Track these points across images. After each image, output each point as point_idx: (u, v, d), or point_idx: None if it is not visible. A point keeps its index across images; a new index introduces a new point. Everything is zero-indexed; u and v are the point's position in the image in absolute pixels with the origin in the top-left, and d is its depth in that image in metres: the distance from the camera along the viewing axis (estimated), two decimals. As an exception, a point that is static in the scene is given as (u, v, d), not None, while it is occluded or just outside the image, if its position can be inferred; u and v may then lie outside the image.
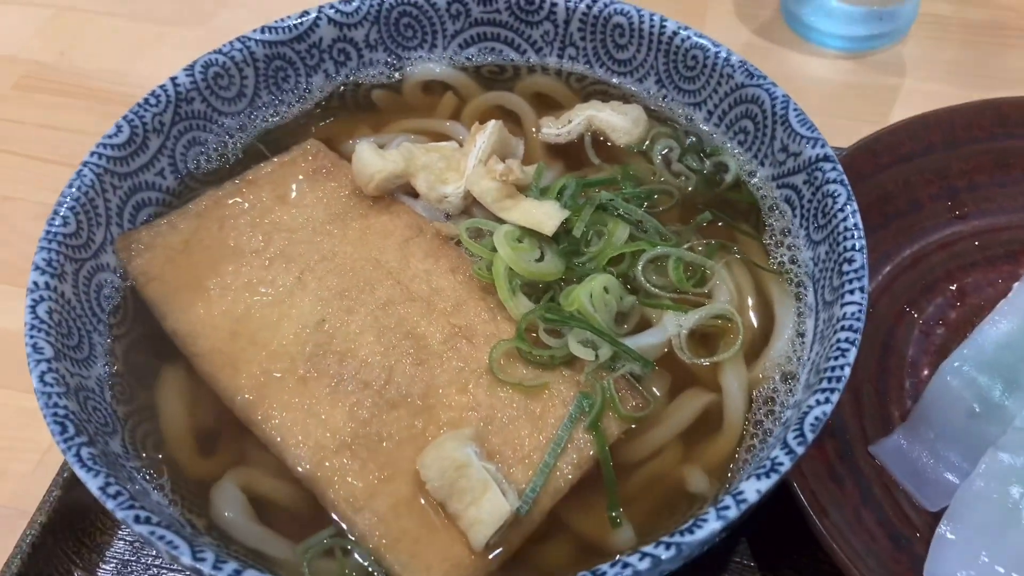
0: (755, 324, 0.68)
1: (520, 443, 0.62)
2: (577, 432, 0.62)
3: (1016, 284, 0.79)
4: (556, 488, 0.60)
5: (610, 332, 0.65)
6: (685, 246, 0.71)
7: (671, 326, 0.67)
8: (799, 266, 0.70)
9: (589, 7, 0.81)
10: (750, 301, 0.69)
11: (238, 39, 0.79)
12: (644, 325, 0.68)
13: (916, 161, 0.87)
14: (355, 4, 0.82)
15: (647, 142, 0.79)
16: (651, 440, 0.63)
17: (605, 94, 0.83)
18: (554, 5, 0.82)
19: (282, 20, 0.80)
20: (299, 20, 0.80)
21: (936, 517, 0.68)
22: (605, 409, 0.63)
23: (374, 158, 0.73)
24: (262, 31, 0.80)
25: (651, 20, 0.79)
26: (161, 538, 0.52)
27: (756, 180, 0.75)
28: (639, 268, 0.69)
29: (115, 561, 0.74)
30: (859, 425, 0.74)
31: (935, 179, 0.87)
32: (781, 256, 0.71)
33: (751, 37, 1.13)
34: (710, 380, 0.66)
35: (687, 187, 0.76)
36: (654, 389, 0.65)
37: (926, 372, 0.77)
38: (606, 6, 0.81)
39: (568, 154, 0.79)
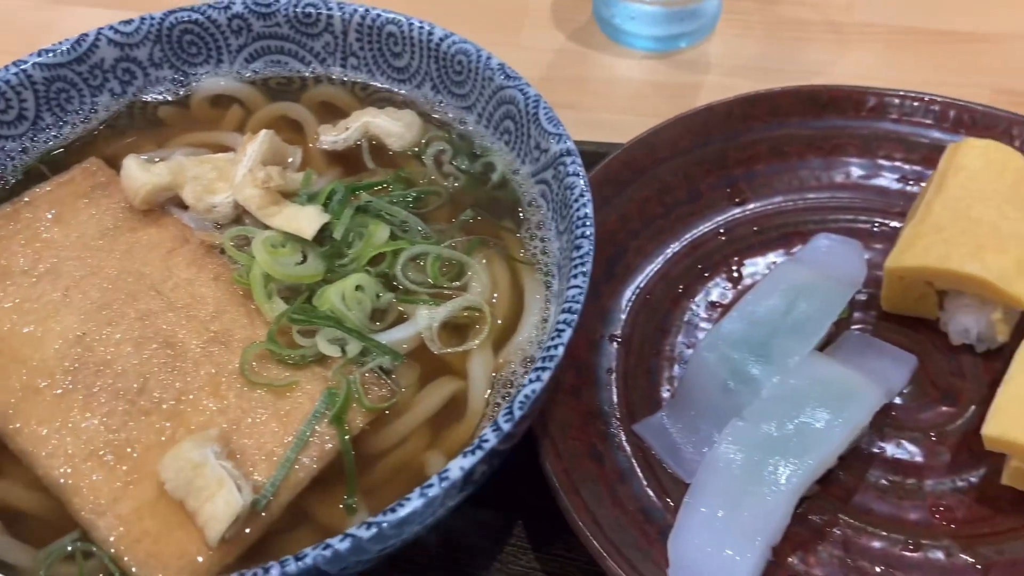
0: (507, 313, 0.71)
1: (266, 441, 0.64)
2: (321, 426, 0.64)
3: (776, 264, 0.83)
4: (296, 481, 0.62)
5: (360, 329, 0.68)
6: (447, 243, 0.74)
7: (423, 320, 0.69)
8: (549, 256, 0.73)
9: (363, 17, 0.84)
10: (504, 292, 0.72)
11: (13, 63, 0.80)
12: (403, 320, 0.71)
13: (695, 152, 0.91)
14: (135, 24, 0.83)
15: (421, 145, 0.81)
16: (398, 429, 0.65)
17: (389, 100, 0.85)
18: (331, 17, 0.85)
19: (59, 43, 0.82)
20: (76, 42, 0.82)
21: (691, 488, 0.72)
22: (349, 402, 0.65)
23: (139, 172, 0.75)
24: (38, 54, 0.81)
25: (420, 28, 0.82)
26: None
27: (519, 177, 0.78)
28: (398, 266, 0.72)
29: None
30: (627, 407, 0.77)
31: (714, 169, 0.91)
32: (535, 248, 0.74)
33: (565, 42, 1.17)
34: (461, 368, 0.68)
35: (456, 187, 0.79)
36: (403, 380, 0.67)
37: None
38: (378, 16, 0.83)
39: (347, 160, 0.82)
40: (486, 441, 0.56)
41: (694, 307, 0.84)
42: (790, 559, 0.69)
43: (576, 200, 0.69)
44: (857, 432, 0.73)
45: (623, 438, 0.75)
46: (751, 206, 0.90)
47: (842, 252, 0.85)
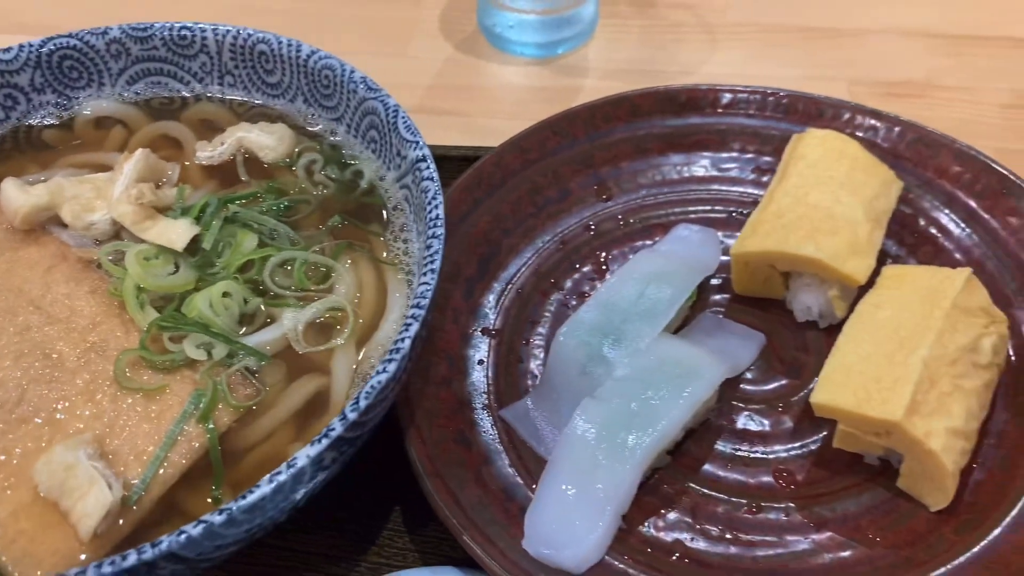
0: (371, 312, 0.76)
1: (139, 442, 0.68)
2: (190, 425, 0.68)
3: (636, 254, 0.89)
4: (166, 477, 0.67)
5: (226, 333, 0.72)
6: (315, 248, 0.79)
7: (288, 321, 0.74)
8: (410, 256, 0.78)
9: (235, 37, 0.88)
10: (369, 292, 0.77)
11: None
12: (271, 323, 0.75)
13: (563, 153, 0.97)
14: (13, 52, 0.87)
15: (294, 156, 0.86)
16: (264, 425, 0.70)
17: (266, 116, 0.90)
18: (204, 38, 0.89)
19: (-62, 73, 0.85)
20: (-45, 71, 0.85)
21: (555, 467, 0.77)
22: (216, 402, 0.69)
23: (17, 193, 0.78)
24: (-83, 83, 0.84)
25: (289, 45, 0.87)
26: None
27: (385, 183, 0.83)
28: (266, 272, 0.76)
29: None
30: (497, 395, 0.82)
31: (582, 168, 0.97)
32: (398, 249, 0.79)
33: (453, 52, 1.22)
34: (326, 366, 0.73)
35: (326, 194, 0.83)
36: (269, 379, 0.72)
37: (560, 341, 0.86)
38: (249, 36, 0.88)
39: (222, 174, 0.86)
40: (332, 430, 0.61)
41: (563, 298, 0.90)
42: (640, 527, 0.75)
43: (430, 203, 0.74)
44: (702, 406, 0.79)
45: (491, 424, 0.80)
46: (617, 201, 0.96)
47: (699, 241, 0.91)
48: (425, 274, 0.69)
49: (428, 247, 0.71)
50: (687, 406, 0.76)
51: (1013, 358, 0.81)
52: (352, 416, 0.62)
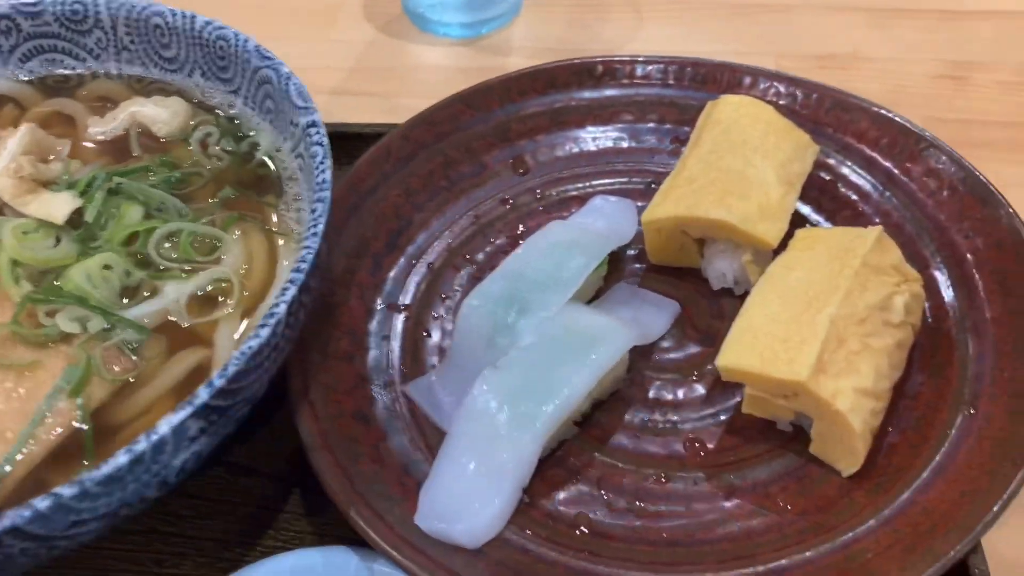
0: (259, 282, 0.73)
1: (6, 420, 0.65)
2: (63, 401, 0.65)
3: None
4: (33, 455, 0.63)
5: (105, 306, 0.69)
6: (205, 220, 0.76)
7: (170, 294, 0.71)
8: (302, 225, 0.75)
9: (129, 11, 0.85)
10: (259, 262, 0.74)
11: None
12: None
13: (477, 127, 0.94)
14: (-100, 30, 0.84)
15: (189, 130, 0.83)
16: (141, 399, 0.66)
17: (164, 91, 0.87)
18: (98, 13, 0.86)
19: None
20: None
21: (458, 442, 0.74)
22: (89, 377, 0.66)
23: None
24: None
25: (183, 17, 0.84)
26: None
27: (281, 154, 0.80)
28: (151, 245, 0.73)
29: None
30: (403, 370, 0.79)
31: (497, 142, 0.94)
32: (291, 218, 0.76)
33: (377, 34, 1.19)
34: (210, 338, 0.70)
35: (220, 167, 0.80)
36: (148, 353, 0.68)
37: (469, 314, 0.83)
38: (144, 9, 0.85)
39: (115, 149, 0.83)
40: (197, 397, 0.58)
41: (476, 272, 0.87)
42: (543, 500, 0.72)
43: (318, 167, 0.71)
44: (610, 375, 0.76)
45: (392, 399, 0.77)
46: (534, 175, 0.94)
47: (614, 211, 0.89)
48: (307, 239, 0.67)
49: (313, 211, 0.68)
50: (591, 374, 0.73)
51: (930, 319, 0.79)
52: (219, 383, 0.59)
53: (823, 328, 0.70)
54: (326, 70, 1.15)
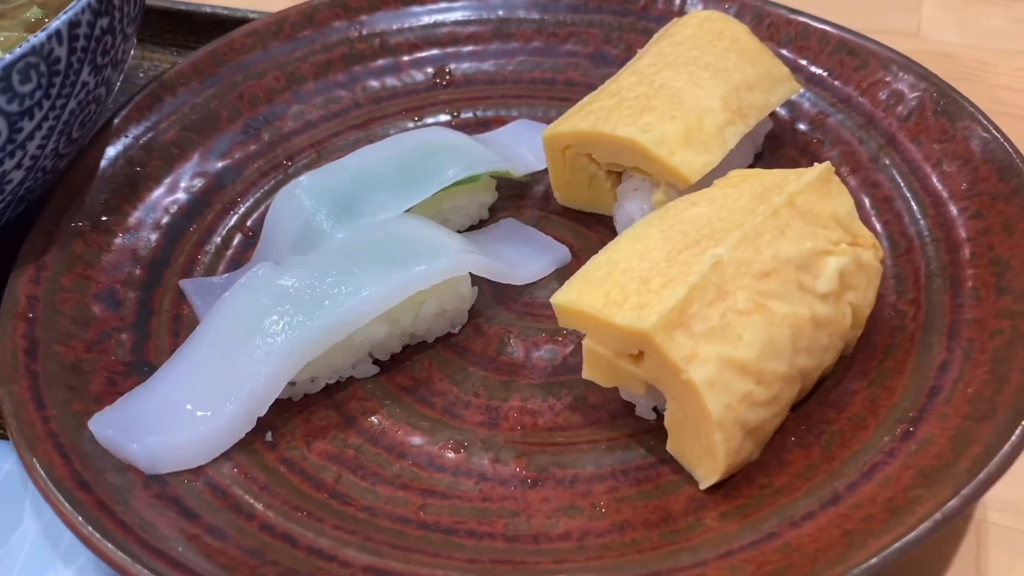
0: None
1: None
2: None
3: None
4: None
5: None
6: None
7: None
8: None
9: None
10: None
11: None
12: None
13: (402, 23, 0.78)
14: None
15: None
16: None
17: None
18: None
19: None
20: None
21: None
22: None
23: None
24: None
25: None
26: None
27: None
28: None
29: None
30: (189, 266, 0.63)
31: (421, 44, 0.77)
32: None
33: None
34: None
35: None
36: None
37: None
38: None
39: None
40: None
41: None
42: (292, 443, 0.53)
43: None
44: (428, 307, 0.57)
45: (160, 293, 0.60)
46: (454, 88, 0.76)
47: (529, 136, 0.71)
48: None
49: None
50: (394, 291, 0.54)
51: (892, 312, 0.57)
52: None
53: (699, 271, 0.49)
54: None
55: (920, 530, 0.41)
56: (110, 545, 0.43)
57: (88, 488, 0.46)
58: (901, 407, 0.51)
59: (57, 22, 0.52)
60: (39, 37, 0.51)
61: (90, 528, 0.44)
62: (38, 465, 0.46)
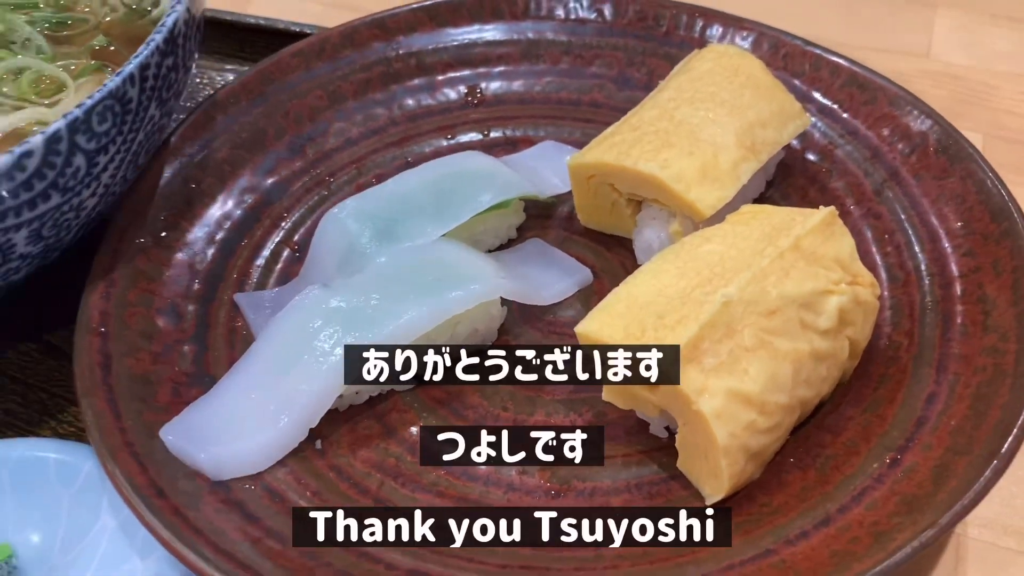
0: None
1: None
2: None
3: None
4: None
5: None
6: (61, 63, 0.67)
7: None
8: (154, 84, 0.66)
9: None
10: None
11: None
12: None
13: (436, 43, 0.82)
14: None
15: (99, -21, 0.75)
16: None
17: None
18: None
19: None
20: None
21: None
22: None
23: None
24: None
25: None
26: None
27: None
28: (-8, 78, 0.65)
29: None
30: (243, 279, 0.68)
31: (454, 64, 0.82)
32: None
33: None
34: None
35: (110, 18, 0.72)
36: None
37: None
38: None
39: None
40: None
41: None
42: (339, 451, 0.59)
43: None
44: (464, 325, 0.62)
45: (218, 306, 0.66)
46: (486, 107, 0.81)
47: (555, 158, 0.76)
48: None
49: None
50: (433, 314, 0.60)
51: (885, 342, 0.62)
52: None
53: (711, 309, 0.54)
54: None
55: (898, 556, 0.47)
56: (187, 549, 0.49)
57: (163, 495, 0.52)
58: (891, 435, 0.56)
59: (130, 66, 0.57)
60: (115, 81, 0.56)
61: (168, 532, 0.50)
62: (119, 474, 0.52)
